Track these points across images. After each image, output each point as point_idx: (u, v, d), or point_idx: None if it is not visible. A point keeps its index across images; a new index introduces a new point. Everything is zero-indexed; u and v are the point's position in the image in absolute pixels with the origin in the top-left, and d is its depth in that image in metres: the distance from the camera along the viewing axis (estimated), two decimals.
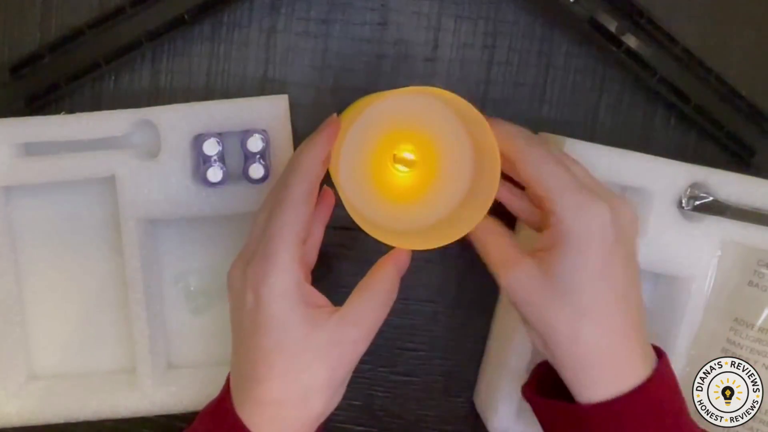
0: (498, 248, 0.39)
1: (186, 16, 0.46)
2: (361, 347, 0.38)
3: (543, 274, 0.37)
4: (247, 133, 0.46)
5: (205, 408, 0.40)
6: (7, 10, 0.48)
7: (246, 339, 0.37)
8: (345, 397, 0.52)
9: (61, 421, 0.48)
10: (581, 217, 0.37)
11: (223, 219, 0.49)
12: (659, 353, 0.39)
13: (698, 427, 0.39)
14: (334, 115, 0.40)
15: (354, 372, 0.52)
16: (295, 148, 0.47)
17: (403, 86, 0.38)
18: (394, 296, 0.39)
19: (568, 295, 0.37)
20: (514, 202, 0.43)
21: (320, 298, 0.39)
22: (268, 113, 0.46)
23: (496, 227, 0.40)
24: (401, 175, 0.43)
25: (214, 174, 0.46)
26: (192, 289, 0.51)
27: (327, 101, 0.49)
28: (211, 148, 0.46)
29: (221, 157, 0.46)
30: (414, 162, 0.43)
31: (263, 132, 0.46)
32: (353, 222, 0.38)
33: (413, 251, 0.41)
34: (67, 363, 0.51)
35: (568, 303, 0.37)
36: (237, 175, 0.47)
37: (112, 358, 0.51)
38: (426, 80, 0.50)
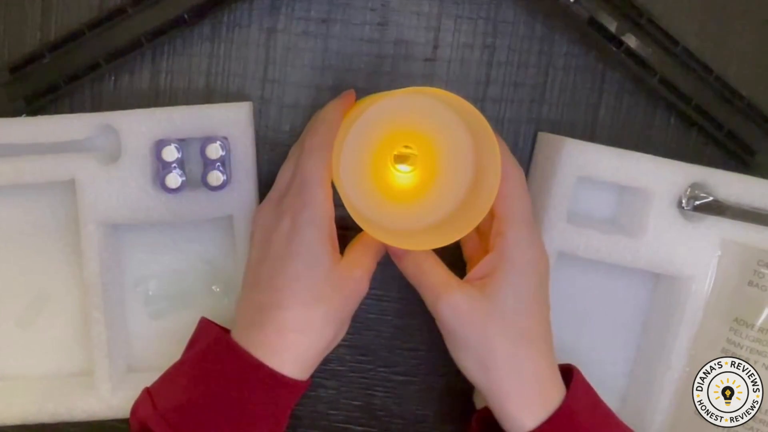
0: (437, 272, 0.41)
1: (186, 16, 0.46)
2: (364, 286, 0.41)
3: (485, 297, 0.40)
4: (207, 140, 0.46)
5: (191, 356, 0.41)
6: (7, 10, 0.48)
7: (273, 266, 0.40)
8: (345, 397, 0.53)
9: (18, 423, 0.48)
10: (531, 248, 0.41)
11: (183, 224, 0.49)
12: (570, 369, 0.42)
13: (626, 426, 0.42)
14: (352, 89, 0.44)
15: (354, 372, 0.52)
16: (259, 155, 0.48)
17: (403, 86, 0.38)
18: (383, 250, 0.43)
19: (510, 316, 0.40)
20: None
21: (336, 242, 0.41)
22: (230, 120, 0.46)
23: (431, 255, 0.42)
24: (401, 175, 0.43)
25: (173, 180, 0.46)
26: (150, 293, 0.51)
27: (327, 101, 0.49)
28: (169, 154, 0.46)
29: (180, 164, 0.46)
30: (414, 162, 0.43)
31: (224, 139, 0.46)
32: (353, 222, 0.38)
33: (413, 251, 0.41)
34: (24, 365, 0.51)
35: (509, 324, 0.39)
36: (197, 181, 0.47)
37: (71, 361, 0.51)
38: (426, 80, 0.50)
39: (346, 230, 0.42)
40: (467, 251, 0.46)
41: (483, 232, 0.44)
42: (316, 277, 0.39)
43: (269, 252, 0.40)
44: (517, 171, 0.41)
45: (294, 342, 0.39)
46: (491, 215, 0.41)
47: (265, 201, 0.43)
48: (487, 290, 0.40)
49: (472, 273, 0.41)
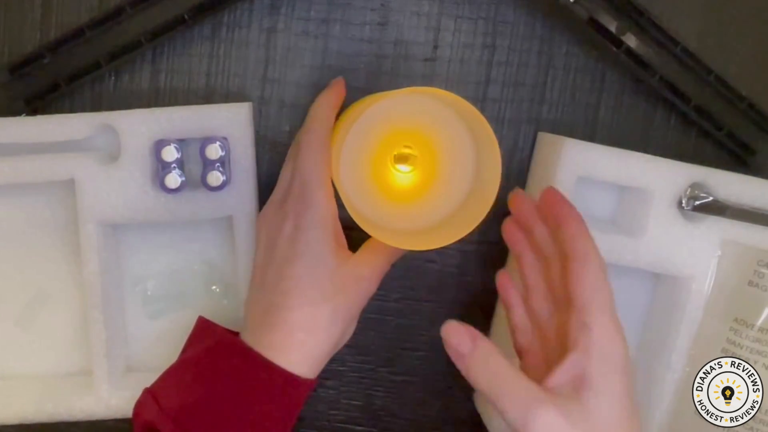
0: (520, 381, 0.35)
1: (186, 16, 0.46)
2: (371, 285, 0.41)
3: (582, 408, 0.35)
4: (206, 141, 0.46)
5: (198, 355, 0.41)
6: (7, 10, 0.48)
7: (279, 269, 0.40)
8: (345, 397, 0.53)
9: (16, 423, 0.48)
10: (619, 341, 0.36)
11: (183, 225, 0.49)
12: None
13: None
14: (340, 77, 0.45)
15: (354, 372, 0.52)
16: (259, 156, 0.48)
17: (403, 86, 0.38)
18: (397, 252, 0.42)
19: (614, 427, 0.35)
20: (517, 312, 0.42)
21: (343, 239, 0.41)
22: (230, 120, 0.46)
23: (504, 359, 0.36)
24: (401, 175, 0.43)
25: (172, 180, 0.46)
26: (149, 293, 0.51)
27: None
28: (169, 154, 0.46)
29: (180, 164, 0.46)
30: (414, 162, 0.43)
31: (223, 139, 0.46)
32: (353, 222, 0.38)
33: (413, 251, 0.41)
34: (23, 365, 0.51)
35: None
36: (197, 181, 0.47)
37: (70, 360, 0.51)
38: (426, 80, 0.50)
39: (346, 230, 0.42)
40: (521, 341, 0.42)
41: (535, 316, 0.41)
42: (321, 277, 0.39)
43: (274, 254, 0.41)
44: (596, 256, 0.38)
45: (302, 341, 0.39)
46: (567, 306, 0.38)
47: (268, 203, 0.43)
48: (583, 399, 0.35)
49: (557, 377, 0.36)
